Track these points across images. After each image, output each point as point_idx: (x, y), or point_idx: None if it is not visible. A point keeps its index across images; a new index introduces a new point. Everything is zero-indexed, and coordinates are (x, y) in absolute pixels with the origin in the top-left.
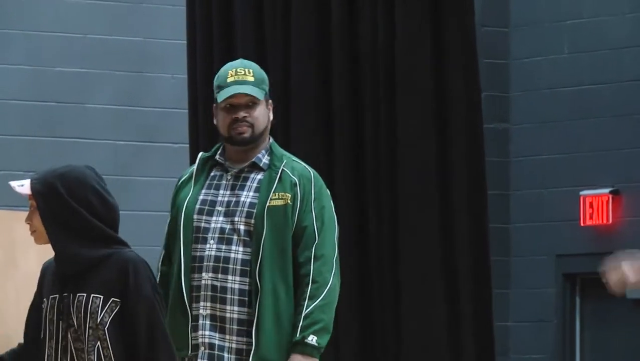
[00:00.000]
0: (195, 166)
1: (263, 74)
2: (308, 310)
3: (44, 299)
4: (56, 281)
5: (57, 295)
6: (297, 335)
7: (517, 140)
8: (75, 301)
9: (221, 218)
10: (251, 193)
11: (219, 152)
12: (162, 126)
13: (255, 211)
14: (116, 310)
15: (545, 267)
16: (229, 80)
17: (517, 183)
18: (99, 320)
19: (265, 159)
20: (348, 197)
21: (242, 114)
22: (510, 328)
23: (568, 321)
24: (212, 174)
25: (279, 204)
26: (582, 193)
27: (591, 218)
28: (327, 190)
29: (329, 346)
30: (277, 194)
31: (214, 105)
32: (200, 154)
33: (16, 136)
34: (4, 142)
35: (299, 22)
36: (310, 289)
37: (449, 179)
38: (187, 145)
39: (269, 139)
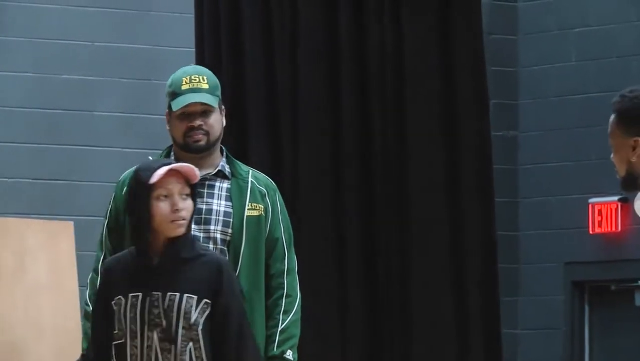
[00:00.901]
0: None
1: (216, 80)
2: (284, 324)
3: (119, 297)
4: (136, 278)
5: (140, 293)
6: (275, 349)
7: (526, 147)
8: (167, 300)
9: (193, 226)
10: (223, 202)
11: (171, 158)
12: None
13: (232, 220)
14: (207, 310)
15: (553, 275)
16: (183, 88)
17: (526, 191)
18: (192, 320)
19: (227, 167)
20: (356, 199)
21: (197, 122)
22: (519, 335)
23: (577, 329)
24: None
25: (254, 214)
26: (590, 200)
27: (600, 225)
28: None
29: (336, 348)
30: (251, 204)
31: (167, 111)
32: (150, 159)
33: (22, 143)
34: (10, 149)
35: (307, 24)
36: (285, 303)
37: (457, 182)
38: None
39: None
